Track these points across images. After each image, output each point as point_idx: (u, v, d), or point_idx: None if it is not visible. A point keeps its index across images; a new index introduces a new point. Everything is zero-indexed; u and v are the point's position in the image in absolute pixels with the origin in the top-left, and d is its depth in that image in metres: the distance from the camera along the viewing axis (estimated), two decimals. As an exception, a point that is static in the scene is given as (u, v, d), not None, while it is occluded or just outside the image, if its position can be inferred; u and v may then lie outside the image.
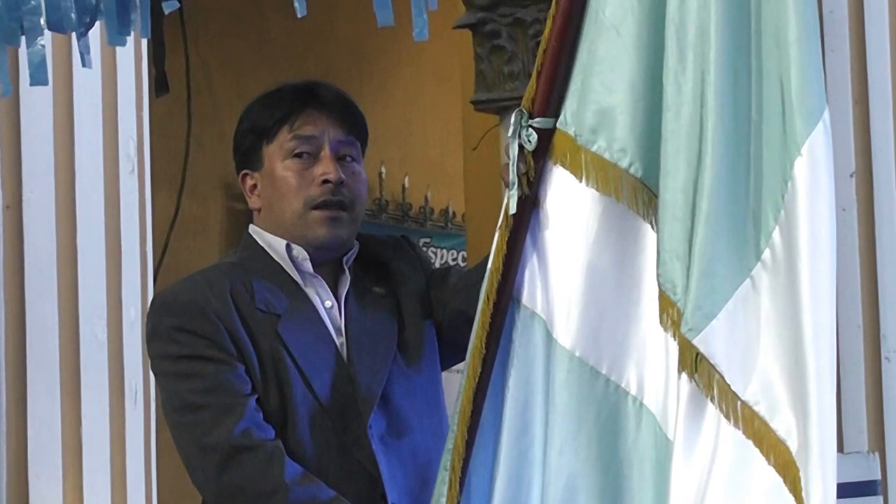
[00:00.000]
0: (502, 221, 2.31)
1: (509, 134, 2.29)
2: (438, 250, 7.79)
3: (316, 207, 2.79)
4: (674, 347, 2.17)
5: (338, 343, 2.79)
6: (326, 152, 2.81)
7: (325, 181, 2.78)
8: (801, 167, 2.10)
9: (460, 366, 2.39)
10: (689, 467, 2.12)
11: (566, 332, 2.27)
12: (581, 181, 2.26)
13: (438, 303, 2.85)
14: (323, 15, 6.70)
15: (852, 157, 4.51)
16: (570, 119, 2.26)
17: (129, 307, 4.05)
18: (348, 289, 2.83)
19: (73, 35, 2.92)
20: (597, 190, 2.25)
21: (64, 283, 3.95)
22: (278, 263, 2.81)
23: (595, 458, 2.25)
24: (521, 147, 2.28)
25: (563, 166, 2.28)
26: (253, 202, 2.87)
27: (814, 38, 2.14)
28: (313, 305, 2.80)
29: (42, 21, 2.82)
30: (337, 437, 2.74)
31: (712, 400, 2.13)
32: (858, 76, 4.54)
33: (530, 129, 2.28)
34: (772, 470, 2.09)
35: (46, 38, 2.87)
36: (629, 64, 2.24)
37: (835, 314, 2.11)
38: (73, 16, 2.82)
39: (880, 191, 4.51)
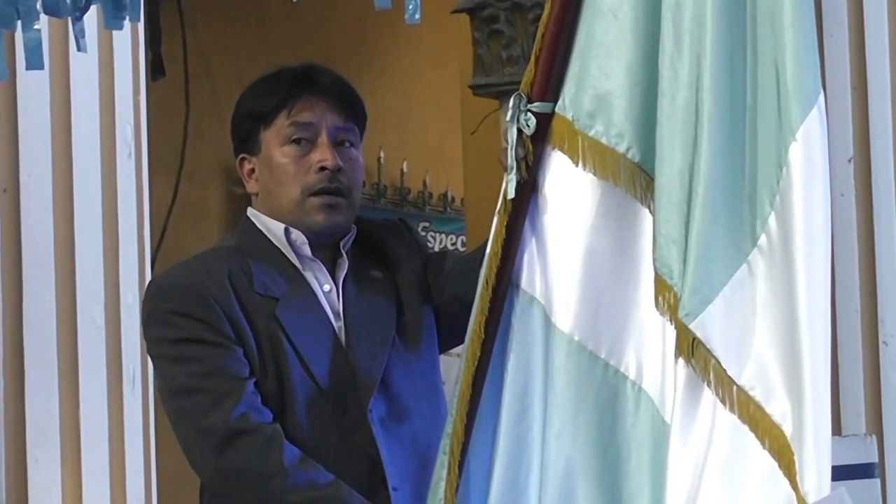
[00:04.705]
0: (501, 206, 2.31)
1: (508, 118, 2.29)
2: (437, 235, 7.78)
3: (313, 194, 2.79)
4: (671, 332, 2.17)
5: (336, 327, 2.79)
6: (324, 139, 2.81)
7: (323, 168, 2.78)
8: (795, 152, 2.10)
9: (459, 349, 2.39)
10: (685, 452, 2.12)
11: (565, 317, 2.27)
12: (579, 166, 2.26)
13: (436, 287, 2.85)
14: (322, 0, 6.70)
15: (850, 142, 4.51)
16: (569, 104, 2.27)
17: (126, 292, 4.05)
18: (346, 273, 2.83)
19: (69, 19, 2.92)
20: (595, 175, 2.25)
21: (61, 267, 3.94)
22: (277, 247, 2.81)
23: (593, 442, 2.26)
24: (519, 131, 2.28)
25: (562, 151, 2.28)
26: (250, 187, 2.87)
27: (809, 23, 2.14)
28: (311, 289, 2.80)
29: (38, 5, 2.82)
30: (336, 421, 2.74)
31: (708, 385, 2.13)
32: (857, 61, 4.54)
33: (529, 114, 2.28)
34: (766, 454, 2.09)
35: (42, 23, 2.87)
36: (626, 48, 2.24)
37: (830, 299, 2.12)
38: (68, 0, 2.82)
39: (878, 176, 4.51)
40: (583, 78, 2.26)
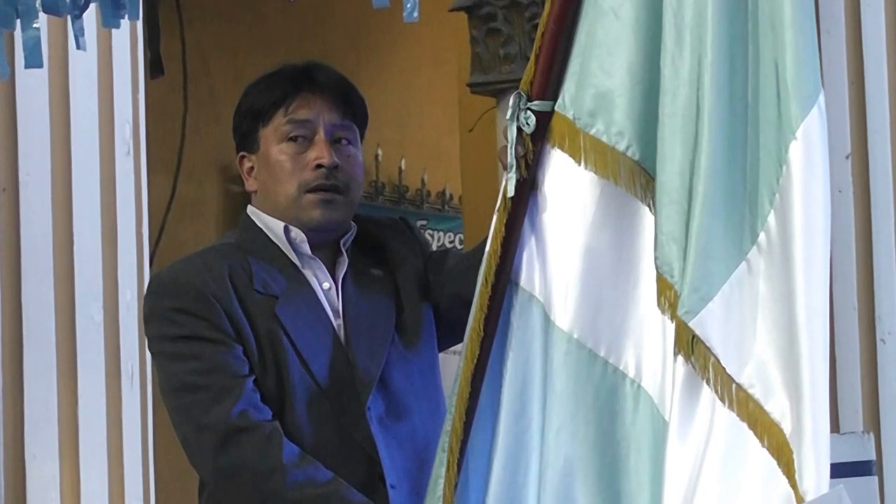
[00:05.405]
0: (500, 204, 2.31)
1: (508, 117, 2.29)
2: (435, 233, 7.79)
3: (310, 191, 2.79)
4: (671, 330, 2.17)
5: (335, 325, 2.80)
6: (321, 136, 2.81)
7: (319, 165, 2.79)
8: (795, 151, 2.11)
9: (458, 347, 2.40)
10: (683, 449, 2.13)
11: (564, 315, 2.27)
12: (579, 164, 2.26)
13: (436, 285, 2.85)
14: (320, -2, 6.71)
15: (848, 138, 4.51)
16: (569, 102, 2.27)
17: (125, 289, 4.05)
18: (346, 271, 2.83)
19: (69, 17, 2.92)
20: (595, 173, 2.26)
21: (60, 265, 3.95)
22: (276, 245, 2.82)
23: (592, 440, 2.26)
24: (519, 130, 2.28)
25: (562, 149, 2.28)
26: (250, 184, 2.87)
27: (809, 22, 2.14)
28: (311, 287, 2.80)
29: (37, 4, 2.82)
30: (335, 418, 2.74)
31: (708, 382, 2.13)
32: (854, 58, 4.54)
33: (529, 112, 2.28)
34: (766, 452, 2.09)
35: (42, 21, 2.88)
36: (627, 47, 2.24)
37: (829, 297, 2.12)
38: (67, -2, 2.82)
39: (876, 172, 4.51)
40: (583, 76, 2.26)
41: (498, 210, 2.31)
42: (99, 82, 4.04)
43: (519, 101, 2.28)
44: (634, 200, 2.25)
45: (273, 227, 2.82)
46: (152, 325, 2.79)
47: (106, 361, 4.00)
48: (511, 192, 2.29)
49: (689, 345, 2.13)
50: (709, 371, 2.13)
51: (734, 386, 2.12)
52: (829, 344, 2.12)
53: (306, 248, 2.81)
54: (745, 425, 2.11)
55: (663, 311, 2.19)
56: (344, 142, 2.84)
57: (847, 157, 4.50)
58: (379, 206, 7.30)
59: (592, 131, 2.25)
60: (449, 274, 2.84)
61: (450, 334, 2.83)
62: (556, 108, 2.28)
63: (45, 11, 2.85)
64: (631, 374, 2.26)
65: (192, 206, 6.74)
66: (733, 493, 2.11)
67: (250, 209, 2.88)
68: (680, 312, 2.14)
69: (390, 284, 2.84)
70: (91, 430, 3.95)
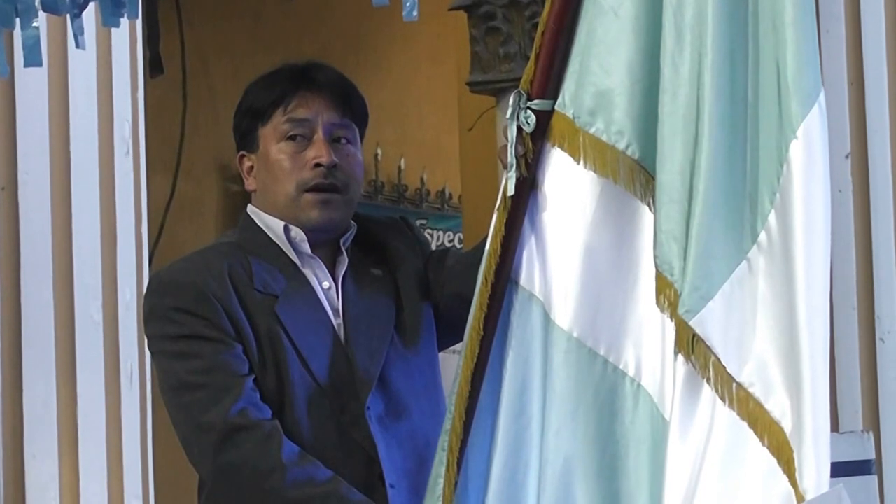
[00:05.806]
0: (500, 203, 2.31)
1: (507, 115, 2.29)
2: (434, 232, 7.79)
3: (308, 190, 2.79)
4: (671, 329, 2.17)
5: (335, 324, 2.80)
6: (319, 135, 2.81)
7: (318, 164, 2.79)
8: (796, 150, 2.11)
9: (457, 346, 2.40)
10: (684, 448, 2.13)
11: (564, 314, 2.28)
12: (579, 163, 2.27)
13: (436, 284, 2.86)
14: (318, -4, 6.72)
15: (847, 138, 4.51)
16: (569, 101, 2.27)
17: (124, 288, 4.05)
18: (346, 270, 2.83)
19: (68, 16, 2.92)
20: (595, 172, 2.26)
21: (60, 264, 3.95)
22: (276, 244, 2.82)
23: (592, 439, 2.26)
24: (519, 129, 2.29)
25: (562, 148, 2.28)
26: (249, 184, 2.87)
27: (809, 21, 2.14)
28: (311, 286, 2.80)
29: (37, 3, 2.82)
30: (334, 417, 2.75)
31: (708, 381, 2.13)
32: (854, 57, 4.54)
33: (529, 111, 2.28)
34: (766, 451, 2.09)
35: (41, 20, 2.88)
36: (627, 46, 2.24)
37: (829, 296, 2.12)
38: (67, -3, 2.82)
39: (875, 172, 4.51)
40: (583, 75, 2.26)
41: (498, 209, 2.31)
42: (98, 81, 4.04)
43: (519, 100, 2.28)
44: (634, 199, 2.25)
45: (273, 226, 2.82)
46: (152, 324, 2.79)
47: (105, 361, 4.00)
48: (511, 191, 2.29)
49: (690, 344, 2.13)
50: (709, 370, 2.13)
51: (734, 385, 2.12)
52: (829, 343, 2.12)
53: (306, 248, 2.82)
54: (745, 424, 2.11)
55: (662, 310, 2.19)
56: (343, 141, 2.84)
57: (847, 157, 4.50)
58: (378, 206, 7.30)
59: (592, 130, 2.26)
60: (449, 273, 2.84)
61: (450, 333, 2.83)
62: (556, 106, 2.29)
63: (44, 10, 2.85)
64: (631, 372, 2.26)
65: (192, 206, 6.74)
66: (733, 491, 2.11)
67: (250, 208, 2.88)
68: (680, 311, 2.14)
69: (390, 284, 2.84)
70: (90, 429, 3.95)
